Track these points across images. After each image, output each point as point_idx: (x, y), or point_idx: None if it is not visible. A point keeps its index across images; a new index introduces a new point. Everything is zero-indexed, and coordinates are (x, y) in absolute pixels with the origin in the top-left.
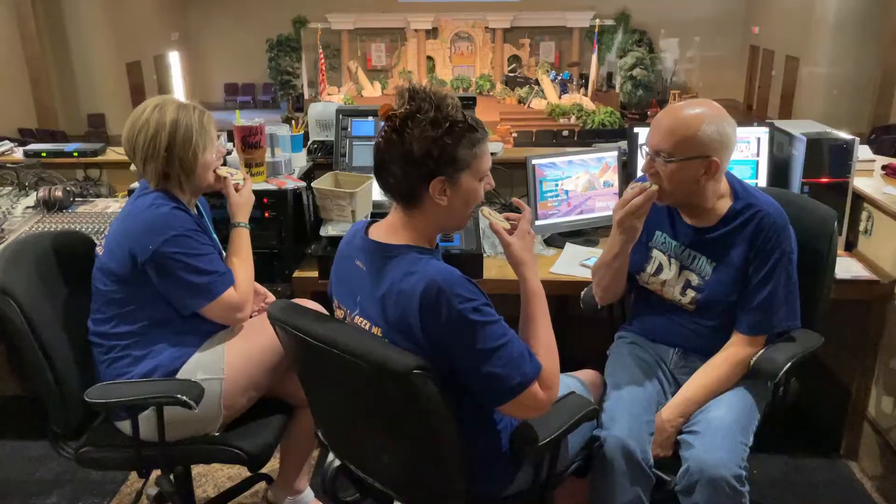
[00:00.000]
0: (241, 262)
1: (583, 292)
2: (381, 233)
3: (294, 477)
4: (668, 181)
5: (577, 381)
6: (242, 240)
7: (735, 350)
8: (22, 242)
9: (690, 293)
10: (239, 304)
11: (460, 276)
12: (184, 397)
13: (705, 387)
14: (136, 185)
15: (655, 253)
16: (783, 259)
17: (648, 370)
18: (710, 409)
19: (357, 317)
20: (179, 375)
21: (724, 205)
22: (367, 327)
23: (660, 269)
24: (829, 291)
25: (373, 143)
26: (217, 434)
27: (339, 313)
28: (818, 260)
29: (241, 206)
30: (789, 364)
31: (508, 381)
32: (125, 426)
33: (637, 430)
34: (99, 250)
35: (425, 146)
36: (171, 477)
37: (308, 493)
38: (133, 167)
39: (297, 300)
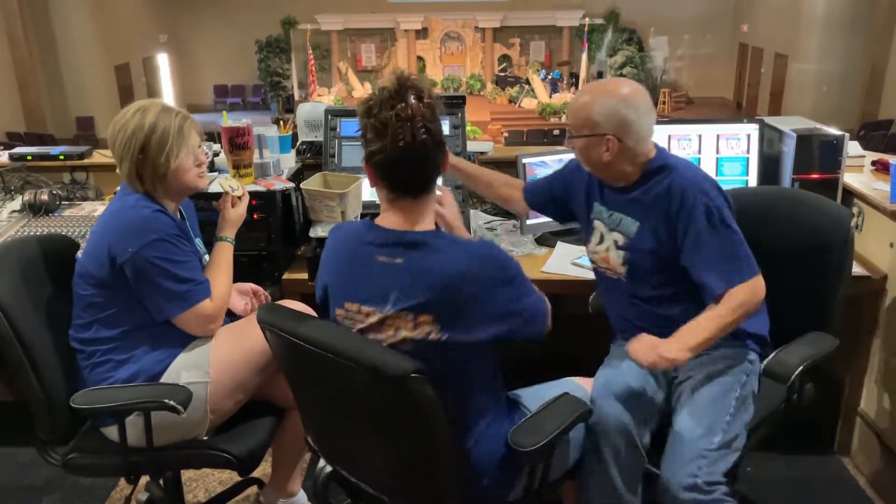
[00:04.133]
0: (221, 274)
1: (591, 298)
2: (400, 225)
3: (286, 479)
4: (579, 155)
5: (572, 383)
6: (225, 254)
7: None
8: (5, 247)
9: (620, 254)
10: (213, 315)
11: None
12: (171, 402)
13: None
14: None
15: (596, 223)
16: (710, 219)
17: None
18: (678, 417)
19: (392, 310)
20: (164, 379)
21: (641, 168)
22: (411, 318)
23: (601, 239)
24: (843, 293)
25: (361, 143)
26: (205, 438)
27: (342, 314)
28: (833, 261)
29: (232, 223)
30: (802, 367)
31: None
32: (111, 432)
33: (629, 409)
34: (80, 254)
35: (436, 132)
36: (161, 482)
37: (301, 496)
38: (119, 169)
39: (284, 301)
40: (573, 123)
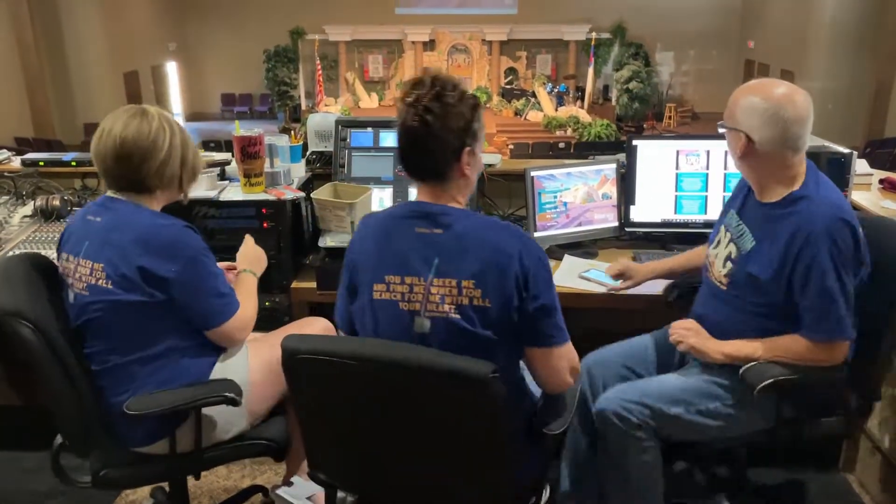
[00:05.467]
0: (245, 295)
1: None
2: (434, 201)
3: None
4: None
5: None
6: (250, 281)
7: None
8: (18, 259)
9: (728, 265)
10: (247, 324)
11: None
12: (230, 394)
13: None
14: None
15: (722, 228)
16: (815, 269)
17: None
18: (658, 375)
19: (435, 279)
20: None
21: (790, 190)
22: (452, 286)
23: (717, 244)
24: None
25: (371, 154)
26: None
27: (381, 289)
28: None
29: (255, 260)
30: (772, 381)
31: (556, 332)
32: (159, 447)
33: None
34: (80, 291)
35: (457, 122)
36: (167, 488)
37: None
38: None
39: (301, 321)
40: (725, 112)
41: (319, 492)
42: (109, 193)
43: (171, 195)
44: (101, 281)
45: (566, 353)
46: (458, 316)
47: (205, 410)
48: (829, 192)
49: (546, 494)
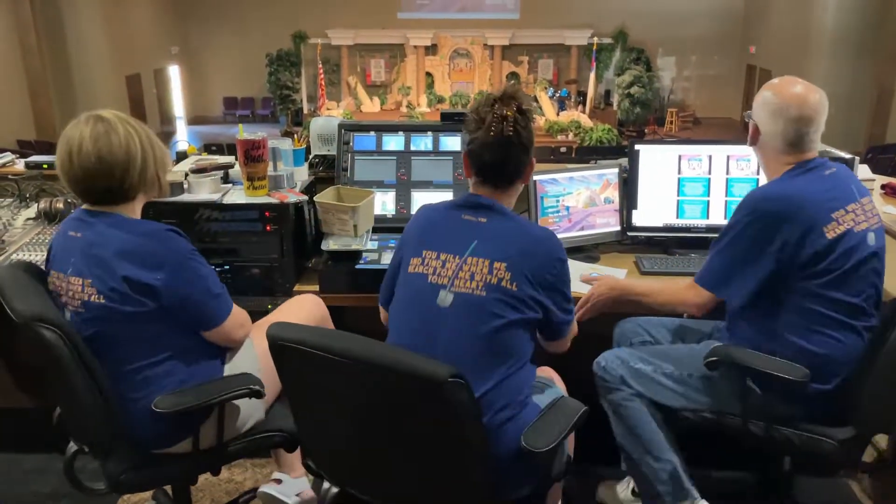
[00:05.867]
0: None
1: None
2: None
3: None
4: None
5: (556, 387)
6: None
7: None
8: (24, 267)
9: None
10: (244, 320)
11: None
12: (255, 387)
13: (643, 283)
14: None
15: None
16: (729, 230)
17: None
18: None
19: (469, 257)
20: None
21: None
22: (484, 265)
23: None
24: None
25: (374, 157)
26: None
27: (416, 262)
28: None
29: None
30: (714, 358)
31: (568, 327)
32: (183, 446)
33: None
34: (75, 308)
35: (532, 137)
36: (169, 491)
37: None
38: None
39: (293, 300)
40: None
41: (307, 489)
42: (85, 207)
43: (151, 195)
44: (93, 297)
45: (571, 335)
46: (483, 293)
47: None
48: (778, 182)
49: None
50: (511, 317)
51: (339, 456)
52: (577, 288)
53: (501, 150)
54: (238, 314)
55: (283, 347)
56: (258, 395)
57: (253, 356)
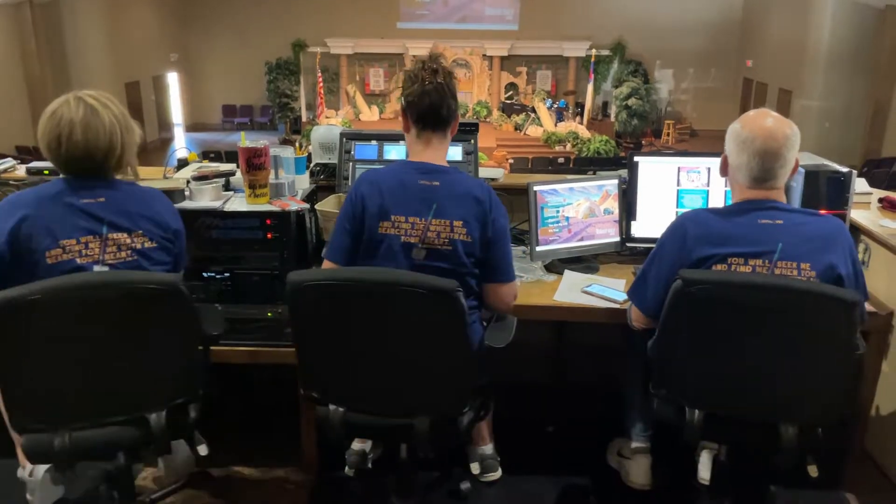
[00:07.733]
0: None
1: None
2: (430, 160)
3: None
4: None
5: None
6: None
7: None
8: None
9: None
10: None
11: None
12: None
13: None
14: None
15: None
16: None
17: None
18: None
19: (433, 219)
20: None
21: None
22: (448, 223)
23: None
24: None
25: (375, 166)
26: None
27: (387, 226)
28: None
29: None
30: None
31: (509, 270)
32: None
33: None
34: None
35: (455, 90)
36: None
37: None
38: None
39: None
40: None
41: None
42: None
43: (126, 177)
44: (145, 243)
45: (512, 288)
46: (449, 248)
47: None
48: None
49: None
50: (469, 263)
51: (348, 376)
52: (579, 300)
53: (437, 95)
54: None
55: (307, 287)
56: None
57: None
